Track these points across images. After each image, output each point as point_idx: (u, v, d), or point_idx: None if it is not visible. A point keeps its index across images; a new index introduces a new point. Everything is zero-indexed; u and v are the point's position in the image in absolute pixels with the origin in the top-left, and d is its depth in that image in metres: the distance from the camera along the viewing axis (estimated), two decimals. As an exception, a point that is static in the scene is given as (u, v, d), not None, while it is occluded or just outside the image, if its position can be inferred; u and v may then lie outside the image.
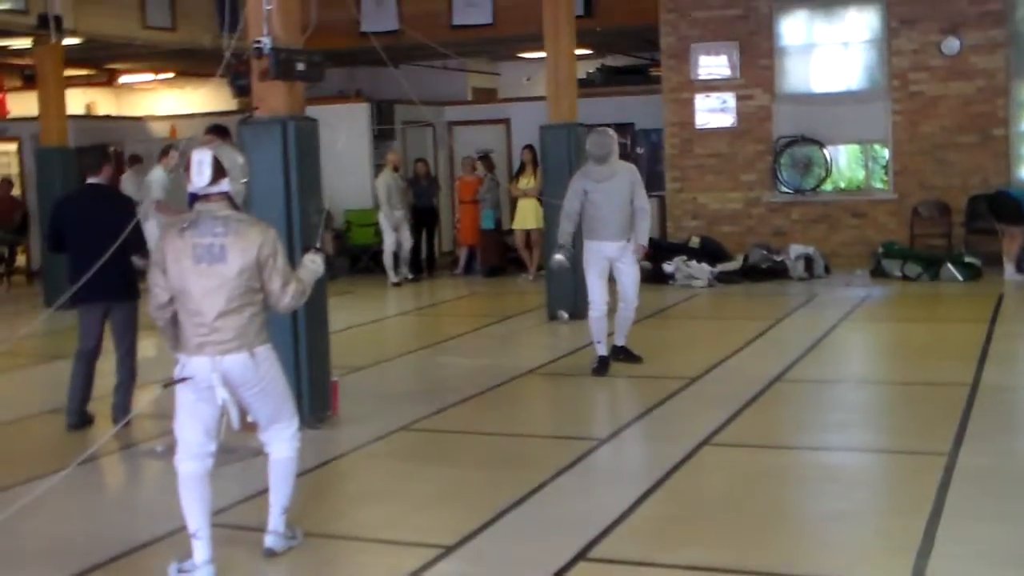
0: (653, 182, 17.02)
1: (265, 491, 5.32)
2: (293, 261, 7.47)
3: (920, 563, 4.84)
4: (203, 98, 20.75)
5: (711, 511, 5.77)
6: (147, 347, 8.80)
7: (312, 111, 7.95)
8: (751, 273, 14.60)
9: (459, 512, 5.78)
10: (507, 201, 16.75)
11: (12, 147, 19.15)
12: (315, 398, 7.63)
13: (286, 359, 7.51)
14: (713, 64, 15.92)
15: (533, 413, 8.39)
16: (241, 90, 7.88)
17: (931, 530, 5.23)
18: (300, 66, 7.51)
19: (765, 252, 14.87)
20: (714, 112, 16.04)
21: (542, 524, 5.62)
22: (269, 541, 5.24)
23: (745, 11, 15.75)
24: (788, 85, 15.82)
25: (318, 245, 5.65)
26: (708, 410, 7.71)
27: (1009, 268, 13.75)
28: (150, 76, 21.44)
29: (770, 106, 15.80)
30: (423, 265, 16.77)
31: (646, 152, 17.59)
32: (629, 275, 9.07)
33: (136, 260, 7.67)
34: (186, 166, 4.91)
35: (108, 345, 7.86)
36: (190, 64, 19.20)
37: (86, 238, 7.40)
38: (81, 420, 7.77)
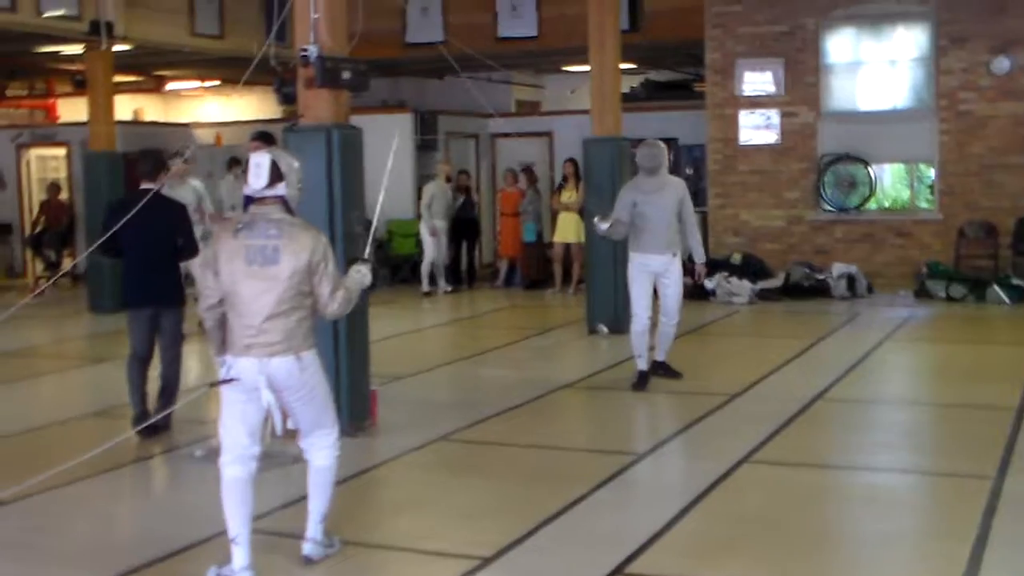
0: (696, 198, 16.92)
1: (304, 498, 5.32)
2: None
3: (964, 588, 4.77)
4: (249, 105, 20.93)
5: (750, 529, 5.71)
6: (188, 353, 8.86)
7: (355, 120, 7.98)
8: (793, 291, 14.49)
9: (497, 524, 5.77)
10: (548, 214, 16.75)
11: (61, 152, 19.40)
12: (354, 407, 7.64)
13: (326, 366, 7.50)
14: (758, 80, 15.85)
15: (572, 426, 8.36)
16: (286, 98, 7.92)
17: (976, 555, 5.15)
18: (346, 75, 7.55)
19: (807, 270, 14.76)
20: (758, 129, 15.97)
21: (580, 538, 5.59)
22: (307, 549, 5.25)
23: (791, 28, 15.68)
24: (833, 102, 15.72)
25: (365, 256, 5.67)
26: (748, 427, 7.65)
27: (1056, 291, 13.58)
28: (197, 83, 21.65)
29: (815, 123, 15.70)
30: (463, 276, 16.79)
31: (691, 169, 17.50)
32: (673, 289, 9.05)
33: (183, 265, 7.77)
34: (244, 169, 4.99)
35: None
36: (237, 72, 19.34)
37: (139, 243, 7.51)
38: (146, 423, 7.60)
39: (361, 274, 5.28)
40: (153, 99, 22.17)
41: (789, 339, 11.51)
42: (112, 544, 5.68)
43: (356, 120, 8.02)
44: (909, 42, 15.36)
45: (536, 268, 16.56)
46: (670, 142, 17.38)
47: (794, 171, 15.85)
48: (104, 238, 7.43)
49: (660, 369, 9.26)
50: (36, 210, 18.31)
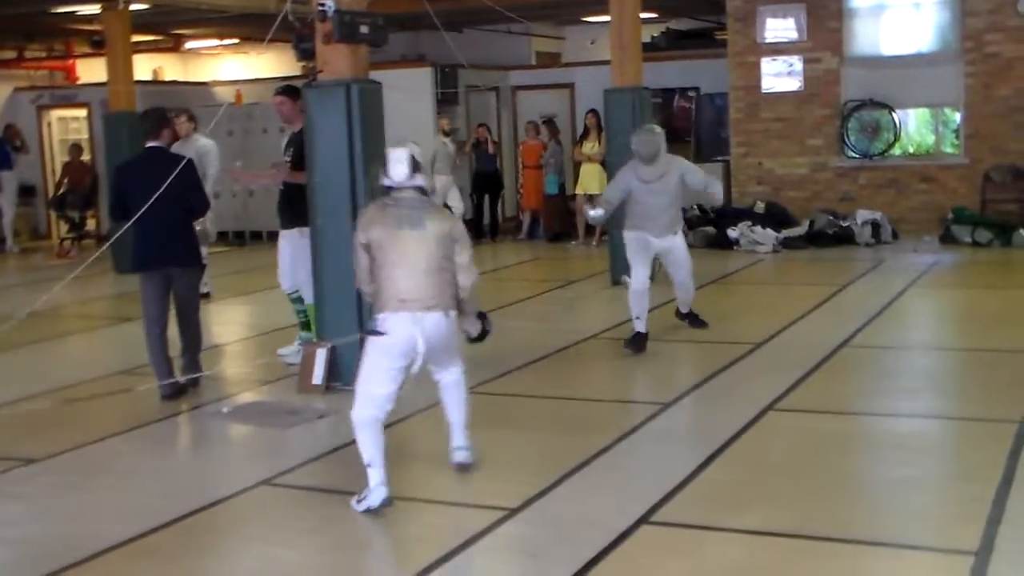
0: (718, 147, 16.90)
1: (330, 452, 5.38)
2: (355, 220, 7.54)
3: (990, 530, 4.76)
4: (268, 63, 20.88)
5: (775, 476, 5.73)
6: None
7: (375, 76, 7.95)
8: (816, 239, 14.41)
9: (523, 475, 5.80)
10: (571, 166, 16.69)
11: (82, 113, 19.43)
12: (379, 361, 7.67)
13: (350, 322, 7.60)
14: (780, 27, 15.68)
15: (597, 377, 8.37)
16: (305, 53, 7.88)
17: (1001, 498, 5.15)
18: (364, 29, 7.51)
19: (831, 217, 14.67)
20: (780, 76, 15.82)
21: (606, 487, 5.62)
22: (460, 456, 5.81)
23: (813, -28, 15.48)
24: (857, 48, 15.54)
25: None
26: (773, 375, 7.65)
27: (1084, 234, 13.46)
28: (215, 42, 21.59)
29: (838, 69, 15.54)
30: (486, 230, 16.77)
31: (712, 116, 17.38)
32: (682, 264, 8.88)
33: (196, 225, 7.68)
34: (384, 163, 5.47)
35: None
36: (255, 29, 19.27)
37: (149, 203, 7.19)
38: (175, 390, 7.59)
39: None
40: (172, 58, 22.10)
41: (813, 287, 11.46)
42: (141, 501, 5.74)
43: (375, 75, 7.99)
44: (933, -16, 15.17)
45: (559, 220, 16.53)
46: (692, 91, 17.39)
47: (817, 118, 15.71)
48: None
49: (686, 319, 9.24)
50: (59, 172, 18.38)
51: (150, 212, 7.26)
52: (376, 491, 5.25)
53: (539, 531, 5.10)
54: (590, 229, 15.61)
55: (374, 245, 5.39)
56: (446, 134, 16.00)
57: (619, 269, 11.73)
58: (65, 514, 5.58)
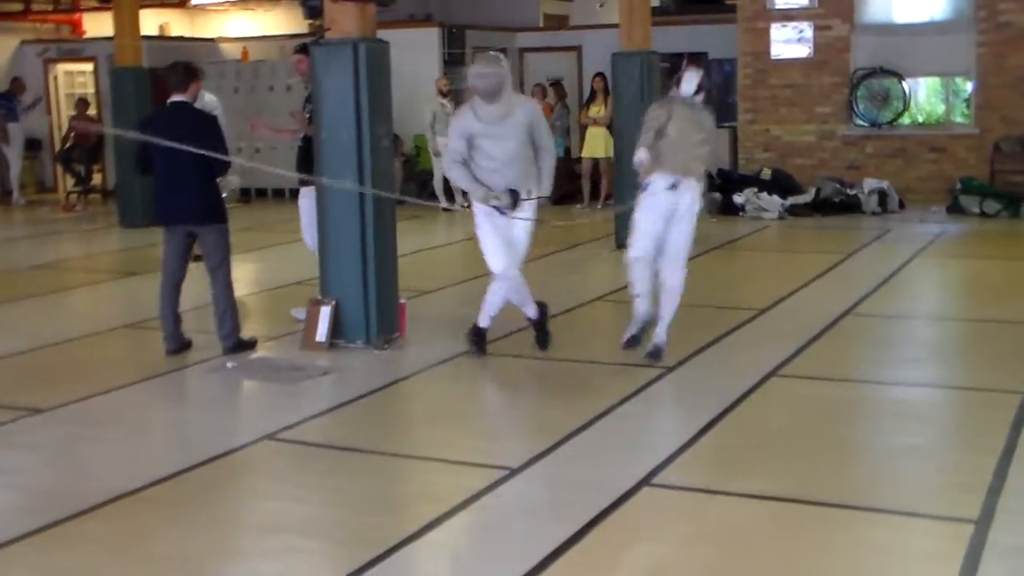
0: (725, 113, 16.79)
1: (334, 408, 5.39)
2: (362, 179, 7.52)
3: (990, 500, 4.78)
4: (275, 20, 20.77)
5: (777, 442, 5.74)
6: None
7: (382, 35, 7.90)
8: (823, 206, 14.37)
9: (524, 435, 5.82)
10: (577, 129, 16.62)
11: (88, 67, 19.35)
12: (383, 320, 7.69)
13: (354, 280, 7.61)
14: (791, -8, 15.56)
15: (599, 340, 8.36)
16: (312, 11, 7.84)
17: (1002, 468, 5.16)
18: (372, -13, 7.46)
19: (838, 185, 14.62)
20: (790, 42, 15.70)
21: (607, 449, 5.64)
22: (659, 339, 7.16)
23: (826, -63, 15.34)
24: (868, 15, 15.42)
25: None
26: (776, 342, 7.65)
27: (1091, 207, 13.41)
28: (223, -2, 21.47)
29: (848, 36, 15.42)
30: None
31: (719, 82, 17.27)
32: (520, 238, 7.50)
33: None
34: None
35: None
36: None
37: (170, 158, 7.09)
38: (179, 344, 7.58)
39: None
40: (178, 14, 21.98)
41: (818, 255, 11.45)
42: (147, 452, 5.77)
43: (383, 35, 7.94)
44: (947, -49, 15.03)
45: (564, 183, 16.45)
46: (700, 56, 17.26)
47: (826, 85, 15.61)
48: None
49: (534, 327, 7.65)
50: (65, 126, 18.33)
51: (171, 167, 7.23)
52: (636, 323, 7.20)
53: (540, 491, 5.13)
54: (595, 193, 15.57)
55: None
56: (444, 95, 15.87)
57: (624, 233, 11.71)
58: (73, 464, 5.61)
